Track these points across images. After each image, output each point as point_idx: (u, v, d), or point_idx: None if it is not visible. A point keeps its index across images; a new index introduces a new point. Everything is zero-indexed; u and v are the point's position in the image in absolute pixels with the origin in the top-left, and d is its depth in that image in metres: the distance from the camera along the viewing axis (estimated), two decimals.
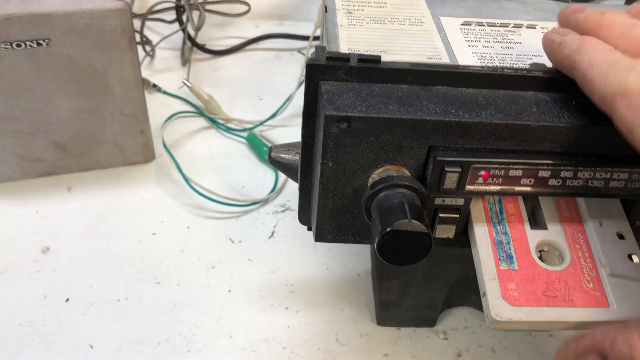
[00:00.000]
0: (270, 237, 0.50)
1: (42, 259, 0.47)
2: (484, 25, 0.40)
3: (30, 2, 0.44)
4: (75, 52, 0.46)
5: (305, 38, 0.71)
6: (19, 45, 0.44)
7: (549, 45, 0.30)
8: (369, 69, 0.30)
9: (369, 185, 0.30)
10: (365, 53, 0.34)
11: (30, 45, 0.44)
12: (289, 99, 0.59)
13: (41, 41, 0.44)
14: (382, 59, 0.32)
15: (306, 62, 0.29)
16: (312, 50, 0.69)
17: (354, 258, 0.48)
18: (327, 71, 0.30)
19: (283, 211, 0.52)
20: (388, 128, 0.28)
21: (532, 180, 0.30)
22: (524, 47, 0.38)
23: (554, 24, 0.41)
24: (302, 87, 0.59)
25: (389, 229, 0.27)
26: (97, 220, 0.50)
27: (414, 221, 0.27)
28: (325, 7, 0.41)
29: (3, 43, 0.43)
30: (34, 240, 0.48)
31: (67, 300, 0.44)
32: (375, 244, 0.27)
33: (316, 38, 0.63)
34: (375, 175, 0.30)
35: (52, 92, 0.47)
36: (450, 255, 0.40)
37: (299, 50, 0.71)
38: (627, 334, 0.24)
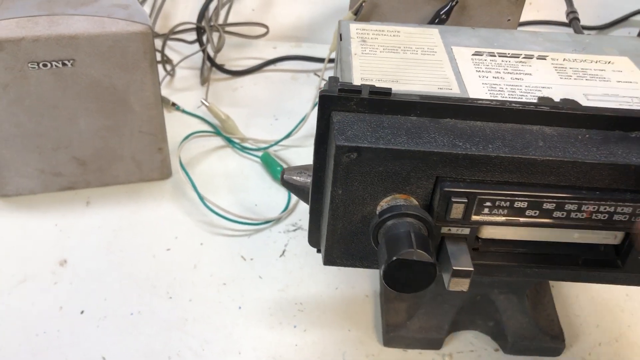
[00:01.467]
0: (281, 256, 0.51)
1: (60, 271, 0.48)
2: (495, 56, 0.41)
3: (57, 24, 0.45)
4: (98, 73, 0.47)
5: (321, 60, 0.73)
6: (45, 65, 0.46)
7: None
8: (379, 101, 0.31)
9: (377, 213, 0.30)
10: (377, 83, 0.35)
11: (55, 65, 0.46)
12: (303, 119, 0.60)
13: (66, 61, 0.46)
14: (394, 88, 0.33)
15: (319, 93, 0.31)
16: (327, 72, 0.71)
17: (362, 279, 0.49)
18: (339, 102, 0.31)
19: (294, 230, 0.53)
20: (396, 159, 0.29)
21: (537, 212, 0.31)
22: (534, 78, 0.38)
23: (565, 55, 0.41)
24: (317, 109, 0.61)
25: (395, 258, 0.27)
26: (114, 234, 0.52)
27: (420, 251, 0.27)
28: (340, 35, 0.42)
29: (30, 63, 0.45)
30: (52, 252, 0.50)
31: (82, 312, 0.46)
32: (381, 272, 0.28)
33: (331, 61, 0.64)
34: (384, 204, 0.31)
35: (75, 109, 0.49)
36: None
37: (315, 73, 0.72)
38: None
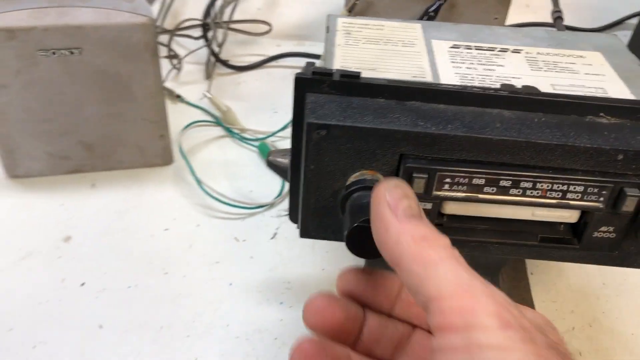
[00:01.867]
0: (272, 238, 0.54)
1: (64, 247, 0.52)
2: (471, 49, 0.43)
3: (66, 15, 0.49)
4: (104, 61, 0.51)
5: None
6: (54, 53, 0.49)
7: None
8: (349, 84, 0.33)
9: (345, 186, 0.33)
10: (353, 69, 0.38)
11: (63, 54, 0.49)
12: None
13: (74, 50, 0.49)
14: (370, 76, 0.35)
15: (294, 76, 0.33)
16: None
17: (349, 261, 0.51)
18: (312, 84, 0.33)
19: (286, 215, 0.56)
20: (363, 136, 0.32)
21: (495, 189, 0.33)
22: (505, 69, 0.41)
23: (540, 49, 0.44)
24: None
25: (356, 224, 0.30)
26: (116, 215, 0.55)
27: None
28: (327, 28, 0.45)
29: (40, 51, 0.49)
30: (58, 229, 0.53)
31: (82, 284, 0.49)
32: (344, 237, 0.31)
33: None
34: (352, 179, 0.33)
35: (82, 96, 0.52)
36: None
37: None
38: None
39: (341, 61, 0.40)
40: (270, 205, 0.57)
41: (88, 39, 0.49)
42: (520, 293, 0.48)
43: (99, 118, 0.54)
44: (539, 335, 0.22)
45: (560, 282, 0.51)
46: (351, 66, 0.39)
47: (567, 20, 0.68)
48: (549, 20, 0.78)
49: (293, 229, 0.55)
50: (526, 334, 0.21)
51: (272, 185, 0.59)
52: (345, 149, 0.32)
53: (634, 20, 0.79)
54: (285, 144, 0.64)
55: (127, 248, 0.52)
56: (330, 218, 0.36)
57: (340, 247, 0.40)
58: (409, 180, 0.32)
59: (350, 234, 0.30)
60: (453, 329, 0.22)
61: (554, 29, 0.59)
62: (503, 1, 0.55)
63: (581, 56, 0.43)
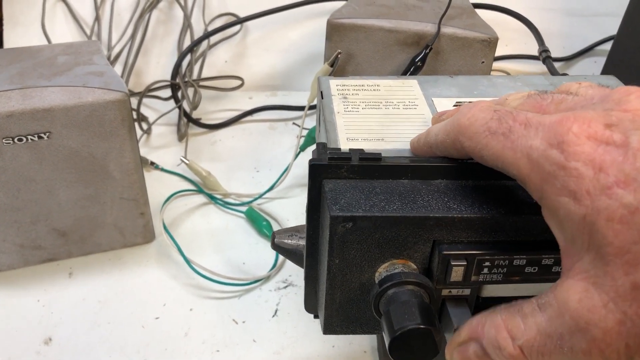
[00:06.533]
0: (273, 316, 0.50)
1: (45, 351, 0.46)
2: None
3: (31, 97, 0.44)
4: (76, 143, 0.46)
5: (298, 108, 0.73)
6: (20, 140, 0.45)
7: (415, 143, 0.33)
8: (370, 167, 0.30)
9: (376, 281, 0.30)
10: (363, 143, 0.35)
11: (31, 139, 0.45)
12: (285, 171, 0.60)
13: (42, 134, 0.45)
14: (380, 147, 0.32)
15: (309, 162, 0.30)
16: (307, 120, 0.71)
17: (359, 335, 0.48)
18: (329, 170, 0.30)
19: (285, 287, 0.52)
20: (393, 225, 0.29)
21: (536, 268, 0.30)
22: None
23: None
24: (299, 158, 0.60)
25: (399, 332, 0.27)
26: (100, 306, 0.50)
27: (424, 321, 0.27)
28: (322, 93, 0.42)
29: (5, 138, 0.44)
30: (36, 330, 0.48)
31: None
32: (387, 345, 0.27)
33: (312, 107, 0.65)
34: (382, 270, 0.30)
35: (53, 181, 0.48)
36: None
37: (294, 122, 0.72)
38: (493, 318, 0.26)
39: (346, 132, 0.37)
40: (267, 278, 0.53)
41: (58, 122, 0.45)
42: None
43: (73, 202, 0.50)
44: None
45: None
46: (358, 137, 0.37)
47: (538, 50, 0.67)
48: (524, 52, 0.79)
49: (295, 302, 0.51)
50: None
51: (265, 253, 0.55)
52: (373, 239, 0.29)
53: (604, 47, 0.79)
54: (272, 205, 0.61)
55: (117, 344, 0.47)
56: (357, 311, 0.32)
57: None
58: (446, 269, 0.30)
59: (393, 343, 0.27)
60: None
61: (544, 68, 0.58)
62: (489, 45, 0.54)
63: None
